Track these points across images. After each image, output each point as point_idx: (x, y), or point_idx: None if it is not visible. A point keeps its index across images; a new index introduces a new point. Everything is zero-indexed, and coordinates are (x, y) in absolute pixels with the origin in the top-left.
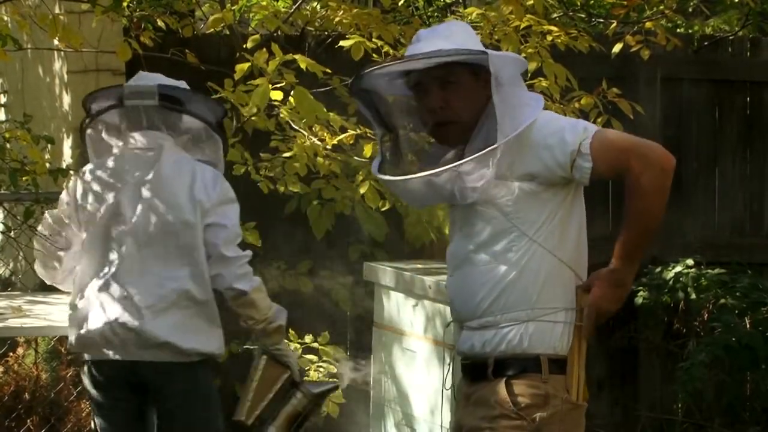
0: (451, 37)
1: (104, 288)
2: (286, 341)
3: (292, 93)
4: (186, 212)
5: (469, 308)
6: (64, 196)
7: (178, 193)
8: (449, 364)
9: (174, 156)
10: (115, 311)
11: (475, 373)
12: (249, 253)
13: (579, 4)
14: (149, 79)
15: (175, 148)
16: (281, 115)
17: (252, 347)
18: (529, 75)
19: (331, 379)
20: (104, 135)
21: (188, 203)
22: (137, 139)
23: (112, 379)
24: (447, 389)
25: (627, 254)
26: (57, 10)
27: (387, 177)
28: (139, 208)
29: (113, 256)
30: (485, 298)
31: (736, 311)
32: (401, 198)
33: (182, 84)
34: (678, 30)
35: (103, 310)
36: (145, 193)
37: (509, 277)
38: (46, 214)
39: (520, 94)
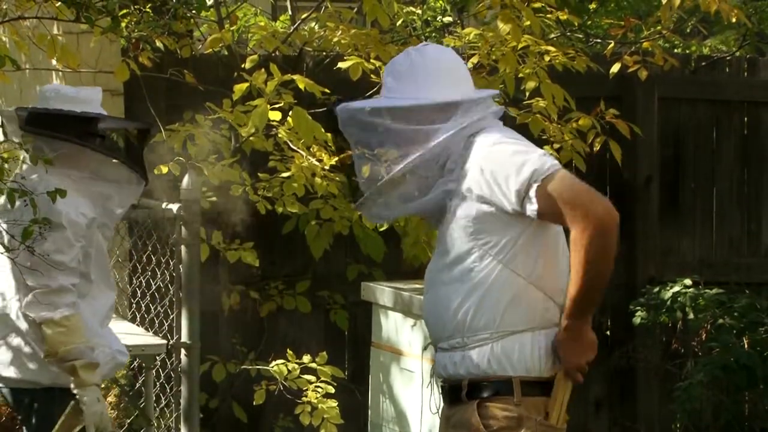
0: (403, 82)
1: None
2: (95, 388)
3: (290, 113)
4: None
5: (438, 329)
6: None
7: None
8: (429, 386)
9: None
10: None
11: (452, 395)
12: (54, 284)
13: (577, 24)
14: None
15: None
16: (279, 136)
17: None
18: (527, 95)
19: None
20: None
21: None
22: None
23: None
24: (434, 413)
25: (577, 310)
26: (55, 31)
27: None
28: None
29: None
30: (451, 319)
31: (734, 331)
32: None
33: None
34: (675, 50)
35: None
36: None
37: (472, 298)
38: None
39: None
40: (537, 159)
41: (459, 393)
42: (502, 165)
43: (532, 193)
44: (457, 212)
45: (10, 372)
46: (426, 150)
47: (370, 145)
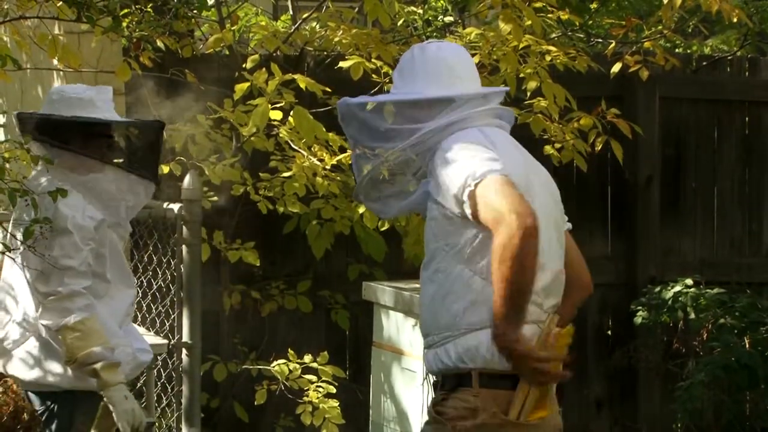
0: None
1: None
2: (121, 387)
3: (291, 113)
4: None
5: (421, 327)
6: None
7: None
8: (422, 384)
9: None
10: None
11: (434, 390)
12: (65, 289)
13: (578, 24)
14: None
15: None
16: (280, 135)
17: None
18: (528, 95)
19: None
20: None
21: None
22: None
23: None
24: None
25: (498, 314)
26: (56, 31)
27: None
28: None
29: None
30: (425, 318)
31: (735, 331)
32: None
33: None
34: (677, 50)
35: None
36: None
37: (438, 297)
38: None
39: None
40: (476, 164)
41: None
42: (447, 170)
43: (466, 196)
44: (428, 213)
45: (32, 376)
46: (406, 146)
47: (365, 140)
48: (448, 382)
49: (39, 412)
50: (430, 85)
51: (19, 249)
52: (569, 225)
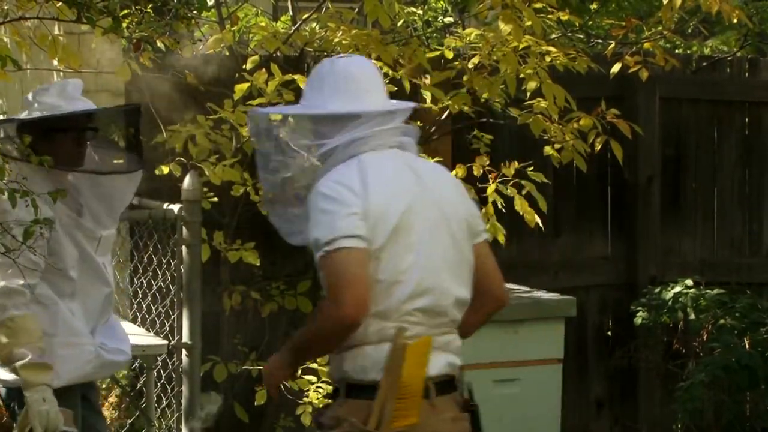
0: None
1: None
2: (42, 388)
3: None
4: None
5: None
6: None
7: None
8: None
9: None
10: None
11: None
12: (3, 286)
13: (578, 24)
14: None
15: None
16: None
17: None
18: (528, 96)
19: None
20: None
21: None
22: None
23: None
24: None
25: (291, 347)
26: (56, 31)
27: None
28: None
29: None
30: None
31: (736, 331)
32: None
33: None
34: (676, 50)
35: None
36: None
37: None
38: None
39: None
40: (329, 227)
41: None
42: (311, 221)
43: (317, 258)
44: None
45: (2, 373)
46: (309, 161)
47: (271, 152)
48: (336, 392)
49: (7, 406)
50: (336, 100)
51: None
52: (486, 236)
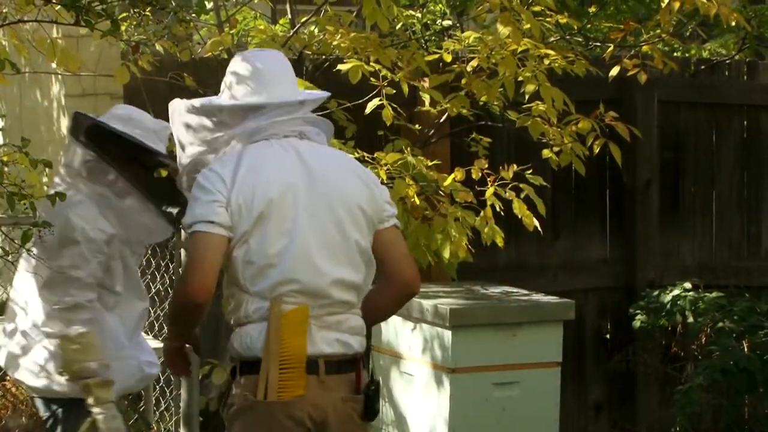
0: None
1: None
2: (111, 405)
3: None
4: None
5: None
6: None
7: None
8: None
9: None
10: None
11: None
12: (70, 300)
13: (576, 28)
14: None
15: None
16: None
17: None
18: (526, 98)
19: None
20: None
21: None
22: None
23: None
24: None
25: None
26: (55, 34)
27: None
28: None
29: None
30: None
31: (734, 334)
32: None
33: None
34: (675, 54)
35: None
36: None
37: None
38: None
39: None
40: (195, 210)
41: None
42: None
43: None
44: None
45: (39, 382)
46: (204, 148)
47: (188, 142)
48: (234, 371)
49: (45, 417)
50: (242, 91)
51: (19, 254)
52: (393, 221)
